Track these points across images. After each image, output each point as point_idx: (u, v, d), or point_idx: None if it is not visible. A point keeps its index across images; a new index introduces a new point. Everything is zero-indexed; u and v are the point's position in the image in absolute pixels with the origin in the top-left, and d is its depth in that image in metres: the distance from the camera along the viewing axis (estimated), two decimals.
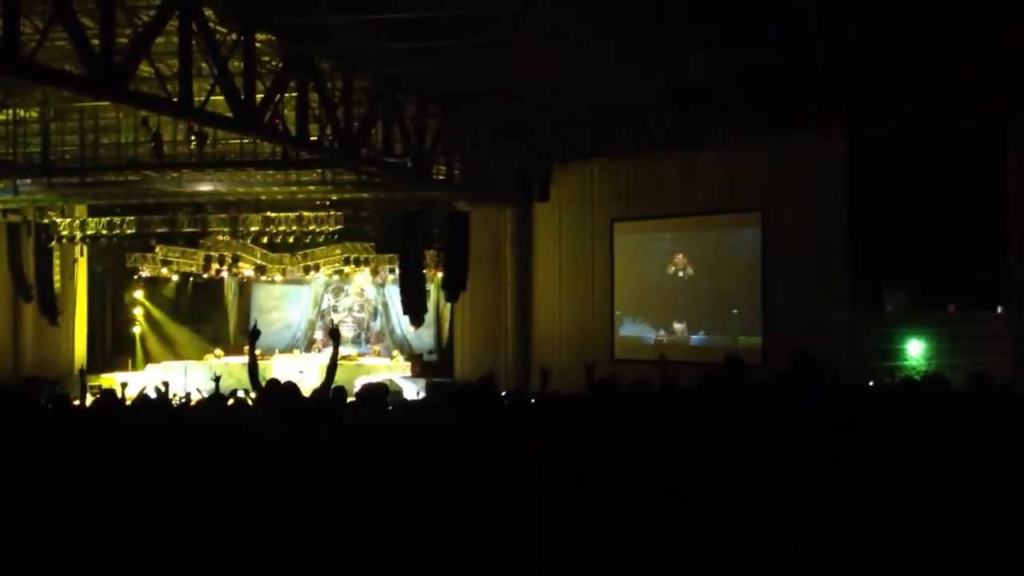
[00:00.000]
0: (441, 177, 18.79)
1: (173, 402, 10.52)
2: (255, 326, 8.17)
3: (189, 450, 5.92)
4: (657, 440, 5.26)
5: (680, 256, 19.84)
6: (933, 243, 15.79)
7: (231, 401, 10.03)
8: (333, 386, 7.00)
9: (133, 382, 17.43)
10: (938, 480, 4.27)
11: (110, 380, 21.57)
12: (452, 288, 21.96)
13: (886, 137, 16.33)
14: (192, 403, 12.10)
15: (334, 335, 7.57)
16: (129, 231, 24.85)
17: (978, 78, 14.87)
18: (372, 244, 25.41)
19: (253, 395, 7.79)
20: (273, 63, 14.43)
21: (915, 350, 16.67)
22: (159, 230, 24.98)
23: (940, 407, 5.13)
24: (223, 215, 24.52)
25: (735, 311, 18.98)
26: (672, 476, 4.74)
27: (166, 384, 11.85)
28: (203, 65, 12.89)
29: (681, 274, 19.82)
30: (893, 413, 5.11)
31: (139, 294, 27.52)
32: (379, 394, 6.34)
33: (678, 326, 19.75)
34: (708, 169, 18.85)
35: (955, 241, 15.69)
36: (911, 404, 5.20)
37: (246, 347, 10.88)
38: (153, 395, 9.99)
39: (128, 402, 9.19)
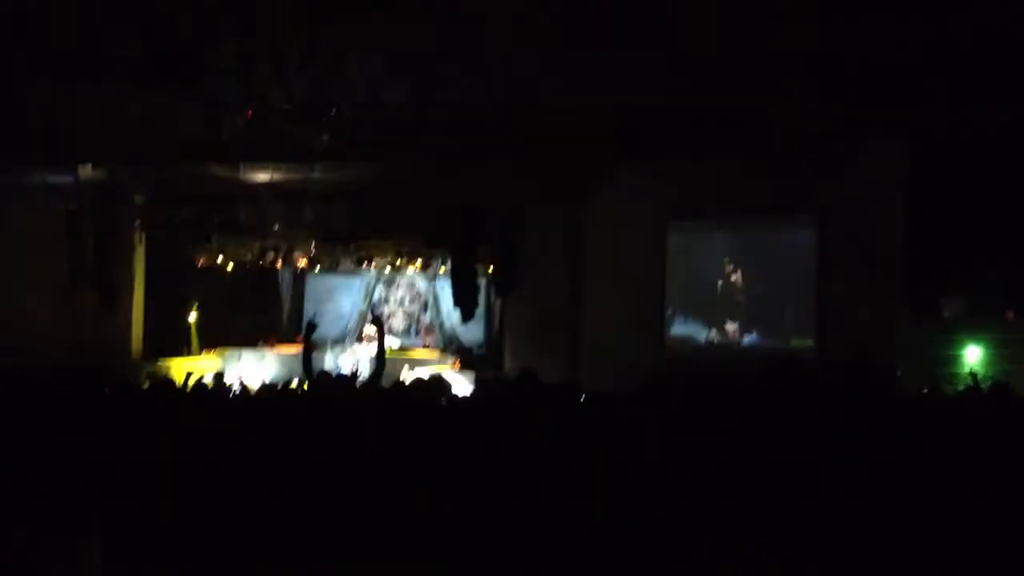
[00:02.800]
0: None
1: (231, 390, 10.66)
2: (313, 318, 8.29)
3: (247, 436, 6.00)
4: (710, 443, 5.24)
5: (734, 256, 19.67)
6: (992, 248, 15.56)
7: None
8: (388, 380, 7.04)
9: (194, 370, 17.64)
10: (998, 489, 4.22)
11: (173, 365, 21.89)
12: (503, 283, 21.96)
13: (946, 140, 16.09)
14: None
15: (377, 324, 7.58)
16: (186, 219, 25.13)
17: None
18: (424, 237, 25.45)
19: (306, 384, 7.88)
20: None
21: (973, 356, 16.43)
22: (216, 219, 25.23)
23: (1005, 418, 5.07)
24: (279, 205, 24.73)
25: (788, 313, 18.79)
26: (723, 481, 4.71)
27: (222, 373, 12.01)
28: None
29: (734, 277, 19.66)
30: (960, 425, 5.06)
31: (195, 282, 27.82)
32: (436, 391, 6.37)
33: (730, 326, 19.60)
34: (763, 169, 18.65)
35: (1014, 247, 15.46)
36: (978, 416, 5.15)
37: (298, 337, 11.02)
38: (211, 382, 10.12)
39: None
